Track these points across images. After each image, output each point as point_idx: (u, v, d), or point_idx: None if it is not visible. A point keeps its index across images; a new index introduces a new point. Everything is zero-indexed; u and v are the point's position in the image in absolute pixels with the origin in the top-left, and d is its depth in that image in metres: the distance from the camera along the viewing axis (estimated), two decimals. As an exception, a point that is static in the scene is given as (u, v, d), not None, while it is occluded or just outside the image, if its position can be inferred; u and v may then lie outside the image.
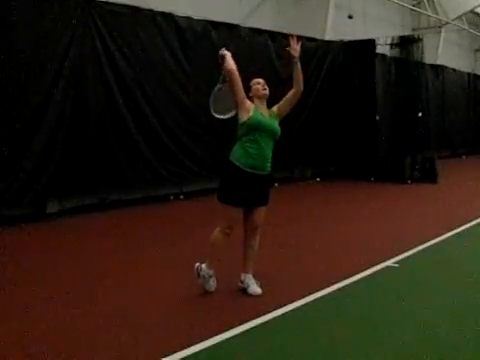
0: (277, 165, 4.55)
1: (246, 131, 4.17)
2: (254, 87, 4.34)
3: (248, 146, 4.14)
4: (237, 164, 4.14)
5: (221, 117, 4.43)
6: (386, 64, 12.56)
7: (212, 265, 4.30)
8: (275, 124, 4.29)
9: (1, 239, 6.10)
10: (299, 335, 3.57)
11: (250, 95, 4.32)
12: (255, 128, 4.16)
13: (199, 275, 4.32)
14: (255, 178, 4.16)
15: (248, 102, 4.24)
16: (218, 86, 4.42)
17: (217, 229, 4.28)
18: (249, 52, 10.03)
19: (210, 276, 4.30)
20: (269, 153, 4.23)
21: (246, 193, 4.15)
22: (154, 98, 8.68)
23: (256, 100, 4.30)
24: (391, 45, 12.44)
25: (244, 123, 4.18)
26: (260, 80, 4.37)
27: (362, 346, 3.39)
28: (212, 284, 4.33)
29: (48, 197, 7.46)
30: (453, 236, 6.49)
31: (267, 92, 4.32)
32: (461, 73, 19.65)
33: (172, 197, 9.10)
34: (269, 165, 4.25)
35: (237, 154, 4.17)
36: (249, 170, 4.12)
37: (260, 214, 4.32)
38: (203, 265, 4.31)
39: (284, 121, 4.48)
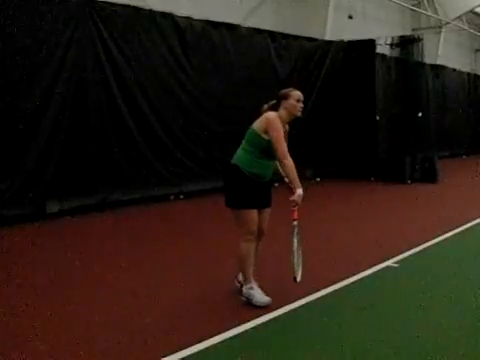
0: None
1: (258, 145, 4.02)
2: (292, 102, 4.05)
3: (257, 158, 4.05)
4: (241, 168, 4.04)
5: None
6: (386, 64, 12.56)
7: (250, 277, 4.08)
8: None
9: (1, 239, 6.10)
10: (299, 335, 3.57)
11: (283, 105, 4.05)
12: (264, 150, 4.05)
13: (248, 296, 4.07)
14: (258, 183, 4.12)
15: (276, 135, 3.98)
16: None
17: (241, 241, 4.11)
18: (249, 52, 10.06)
19: (252, 288, 4.06)
20: (273, 165, 4.20)
21: (255, 194, 4.10)
22: (154, 98, 8.69)
23: (284, 113, 4.07)
24: (391, 45, 12.44)
25: (260, 137, 4.00)
26: (301, 97, 4.08)
27: (362, 346, 3.39)
28: (260, 294, 4.04)
29: (48, 197, 7.46)
30: (453, 236, 6.49)
31: (300, 115, 4.12)
32: (461, 73, 19.65)
33: (172, 197, 9.11)
34: (271, 174, 4.21)
35: (242, 160, 4.07)
36: (253, 177, 4.07)
37: (266, 217, 4.28)
38: (243, 288, 4.13)
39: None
